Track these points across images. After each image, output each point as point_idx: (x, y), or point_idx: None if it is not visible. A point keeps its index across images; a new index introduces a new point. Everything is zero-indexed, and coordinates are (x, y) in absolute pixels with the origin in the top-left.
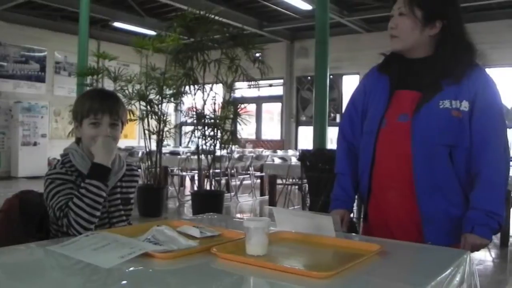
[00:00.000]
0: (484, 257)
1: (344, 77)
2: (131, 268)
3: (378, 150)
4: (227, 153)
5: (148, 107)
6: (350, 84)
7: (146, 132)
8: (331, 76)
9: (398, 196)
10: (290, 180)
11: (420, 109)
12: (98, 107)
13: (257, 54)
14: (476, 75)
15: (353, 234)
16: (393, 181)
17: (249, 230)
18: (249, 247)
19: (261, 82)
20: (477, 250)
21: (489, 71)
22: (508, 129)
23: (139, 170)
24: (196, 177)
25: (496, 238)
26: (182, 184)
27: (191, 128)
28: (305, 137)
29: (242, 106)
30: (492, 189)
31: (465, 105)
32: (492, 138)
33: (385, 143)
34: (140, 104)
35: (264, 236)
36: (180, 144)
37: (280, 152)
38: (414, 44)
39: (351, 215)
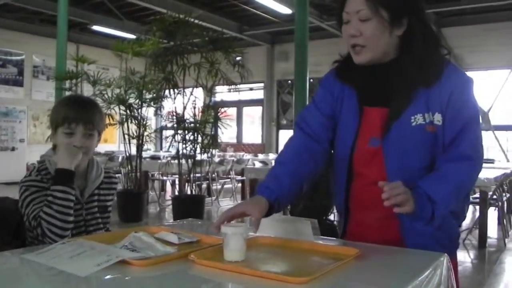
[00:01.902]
0: (463, 258)
1: None
2: (108, 276)
3: (353, 174)
4: (208, 157)
5: (128, 111)
6: None
7: (126, 136)
8: (311, 80)
9: (376, 219)
10: None
11: (389, 130)
12: (73, 116)
13: (237, 58)
14: (447, 76)
15: (333, 238)
16: (374, 205)
17: (226, 236)
18: (226, 253)
19: (241, 86)
20: (403, 196)
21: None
22: (485, 132)
23: (119, 175)
24: (177, 182)
25: (475, 239)
26: (163, 188)
27: (171, 132)
28: (286, 141)
29: (223, 110)
30: (446, 183)
31: (438, 119)
32: (463, 141)
33: (359, 168)
34: (119, 109)
35: (242, 242)
36: (161, 149)
37: (261, 156)
38: (385, 49)
39: (332, 217)
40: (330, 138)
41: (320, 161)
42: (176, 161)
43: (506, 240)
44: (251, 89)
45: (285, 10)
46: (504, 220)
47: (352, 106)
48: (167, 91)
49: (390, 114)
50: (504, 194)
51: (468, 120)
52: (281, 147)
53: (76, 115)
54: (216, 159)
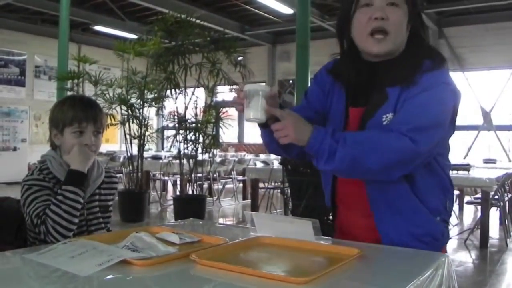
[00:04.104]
0: (464, 259)
1: None
2: (109, 276)
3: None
4: (209, 157)
5: (129, 111)
6: None
7: (128, 136)
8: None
9: (360, 217)
10: (273, 184)
11: (364, 129)
12: (83, 115)
13: (239, 58)
14: (423, 77)
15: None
16: (353, 203)
17: (247, 94)
18: (246, 111)
19: None
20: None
21: (468, 74)
22: (487, 132)
23: (121, 175)
24: (178, 182)
25: (476, 240)
26: (164, 188)
27: (173, 132)
28: None
29: (224, 110)
30: (361, 135)
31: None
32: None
33: None
34: (121, 109)
35: (262, 100)
36: (162, 149)
37: (262, 156)
38: (400, 43)
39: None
40: None
41: None
42: (178, 161)
43: (508, 240)
44: None
45: (287, 10)
46: (506, 220)
47: (340, 108)
48: (168, 91)
49: (365, 113)
50: (506, 194)
51: (416, 116)
52: None
53: (86, 114)
54: (218, 159)
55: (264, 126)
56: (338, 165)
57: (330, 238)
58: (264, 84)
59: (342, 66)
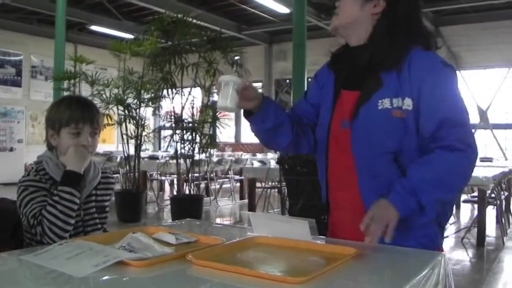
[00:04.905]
0: (461, 257)
1: None
2: (106, 277)
3: (329, 161)
4: (206, 157)
5: (126, 111)
6: None
7: (124, 136)
8: (309, 79)
9: (353, 217)
10: (270, 183)
11: (358, 113)
12: (80, 116)
13: (236, 57)
14: (416, 59)
15: (331, 238)
16: (344, 195)
17: (220, 85)
18: (218, 100)
19: None
20: (381, 222)
21: (464, 73)
22: (483, 130)
23: (118, 175)
24: (175, 182)
25: (473, 238)
26: (161, 188)
27: (169, 132)
28: None
29: None
30: (430, 168)
31: (408, 103)
32: (450, 135)
33: (332, 154)
34: (118, 109)
35: (232, 91)
36: (159, 149)
37: (259, 155)
38: (351, 21)
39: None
40: (313, 122)
41: (298, 134)
42: (175, 161)
43: (505, 238)
44: None
45: (283, 9)
46: (503, 219)
47: (330, 89)
48: (165, 91)
49: (359, 97)
50: (502, 193)
51: (448, 115)
52: None
53: (82, 114)
54: (215, 159)
55: (248, 116)
56: (431, 214)
57: (326, 237)
58: (237, 76)
59: (340, 56)
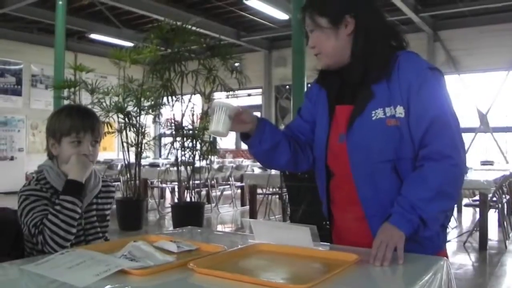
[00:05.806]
0: (464, 261)
1: None
2: (107, 286)
3: (329, 175)
4: (207, 164)
5: (126, 119)
6: None
7: (125, 144)
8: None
9: (353, 220)
10: (271, 189)
11: (353, 125)
12: (80, 125)
13: (235, 64)
14: (404, 61)
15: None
16: (347, 205)
17: (213, 108)
18: (210, 125)
19: (239, 92)
20: (389, 245)
21: (464, 76)
22: (483, 134)
23: (119, 183)
24: (176, 189)
25: (475, 242)
26: (162, 196)
27: (170, 139)
28: None
29: None
30: (425, 185)
31: (400, 111)
32: (436, 140)
33: (332, 167)
34: (118, 117)
35: (224, 116)
36: (160, 156)
37: None
38: (335, 53)
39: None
40: (310, 138)
41: (296, 151)
42: (175, 168)
43: (507, 242)
44: (249, 95)
45: (282, 16)
46: (505, 222)
47: (324, 106)
48: (165, 99)
49: (353, 110)
50: (504, 196)
51: (435, 117)
52: None
53: (83, 123)
54: (215, 166)
55: (246, 139)
56: (435, 227)
57: (328, 244)
58: (230, 102)
59: (328, 74)
